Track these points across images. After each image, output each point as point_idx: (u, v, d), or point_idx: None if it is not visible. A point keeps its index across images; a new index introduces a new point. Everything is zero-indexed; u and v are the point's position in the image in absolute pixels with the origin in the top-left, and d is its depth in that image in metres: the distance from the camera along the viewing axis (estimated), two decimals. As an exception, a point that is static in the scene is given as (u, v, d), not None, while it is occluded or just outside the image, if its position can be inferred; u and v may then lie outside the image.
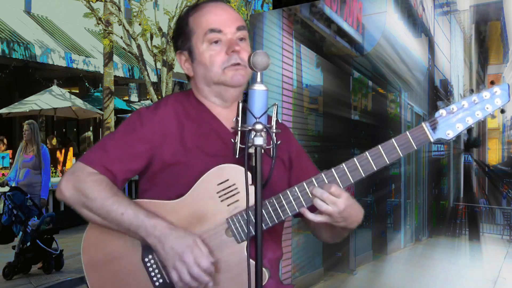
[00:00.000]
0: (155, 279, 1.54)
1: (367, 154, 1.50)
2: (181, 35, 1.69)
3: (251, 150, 1.38)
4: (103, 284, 1.58)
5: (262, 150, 1.37)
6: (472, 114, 1.45)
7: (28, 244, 6.30)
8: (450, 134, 1.47)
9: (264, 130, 1.37)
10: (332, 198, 1.46)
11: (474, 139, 2.96)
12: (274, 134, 1.42)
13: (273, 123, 1.47)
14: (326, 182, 1.51)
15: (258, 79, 1.43)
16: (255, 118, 1.40)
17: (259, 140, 1.36)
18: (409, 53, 3.11)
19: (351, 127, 3.38)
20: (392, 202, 3.21)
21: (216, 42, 1.62)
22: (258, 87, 1.43)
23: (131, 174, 1.63)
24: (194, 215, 1.53)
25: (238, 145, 1.48)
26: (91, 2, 11.46)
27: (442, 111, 1.46)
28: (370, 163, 1.49)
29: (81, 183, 1.55)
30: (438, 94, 3.03)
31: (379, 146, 1.50)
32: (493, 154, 2.89)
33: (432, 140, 1.48)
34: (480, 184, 2.92)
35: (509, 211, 2.80)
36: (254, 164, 1.36)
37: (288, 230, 3.43)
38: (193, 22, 1.66)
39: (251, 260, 1.40)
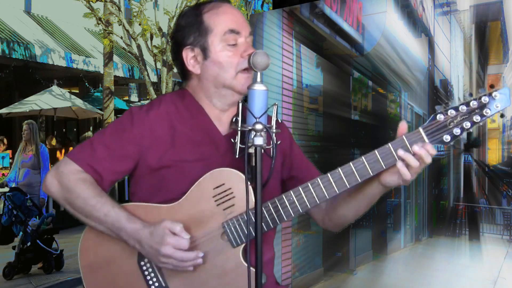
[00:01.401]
0: (150, 282, 1.54)
1: (363, 158, 1.47)
2: (195, 31, 1.63)
3: (251, 150, 1.38)
4: (99, 287, 1.59)
5: (262, 150, 1.37)
6: (470, 119, 1.42)
7: (29, 244, 6.30)
8: (448, 139, 1.43)
9: (264, 130, 1.37)
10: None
11: (474, 139, 2.95)
12: (274, 134, 1.42)
13: (273, 123, 1.47)
14: (322, 186, 1.49)
15: (258, 79, 1.43)
16: (255, 118, 1.40)
17: (259, 140, 1.36)
18: (409, 53, 3.11)
19: (351, 127, 3.38)
20: (392, 202, 3.21)
21: (233, 44, 1.60)
22: (258, 87, 1.43)
23: (119, 175, 1.62)
24: (189, 219, 1.52)
25: (238, 145, 1.47)
26: (91, 2, 11.45)
27: (439, 116, 1.43)
28: (366, 167, 1.46)
29: (65, 180, 1.56)
30: (438, 94, 3.03)
31: (376, 151, 1.47)
32: (493, 154, 2.89)
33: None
34: (480, 184, 2.92)
35: (509, 211, 2.80)
36: (254, 164, 1.36)
37: (288, 230, 3.43)
38: (210, 20, 1.62)
39: (243, 261, 1.43)
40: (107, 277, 1.58)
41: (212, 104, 1.66)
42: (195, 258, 1.47)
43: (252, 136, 1.37)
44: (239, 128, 1.46)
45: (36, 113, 12.62)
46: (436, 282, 2.98)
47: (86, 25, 15.02)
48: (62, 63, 13.55)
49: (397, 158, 1.44)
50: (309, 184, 1.50)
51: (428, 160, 1.43)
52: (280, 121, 1.50)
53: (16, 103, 12.75)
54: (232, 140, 1.49)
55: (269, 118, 1.48)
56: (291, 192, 1.51)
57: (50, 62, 13.15)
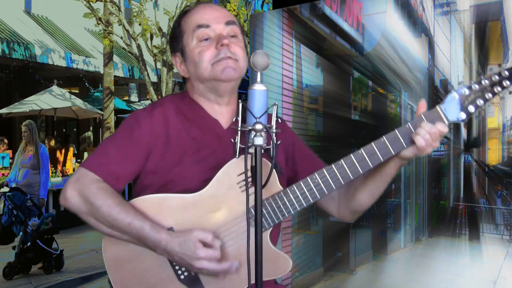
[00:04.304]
0: (179, 272, 1.55)
1: (384, 138, 1.52)
2: (174, 38, 1.73)
3: (251, 150, 1.38)
4: (126, 281, 1.58)
5: (262, 150, 1.37)
6: (482, 97, 1.50)
7: (29, 244, 6.30)
8: (463, 116, 1.51)
9: (264, 130, 1.37)
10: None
11: (474, 139, 2.96)
12: (274, 134, 1.42)
13: (273, 123, 1.47)
14: (346, 167, 1.53)
15: (258, 79, 1.43)
16: (255, 118, 1.40)
17: (259, 140, 1.36)
18: (409, 53, 3.11)
19: (351, 127, 3.38)
20: (392, 202, 3.21)
21: (206, 39, 1.64)
22: (258, 87, 1.43)
23: (132, 176, 1.64)
24: (215, 206, 1.55)
25: (238, 145, 1.48)
26: (91, 2, 11.45)
27: (454, 94, 1.51)
28: (387, 147, 1.51)
29: (86, 190, 1.54)
30: (438, 94, 3.03)
31: (396, 130, 1.52)
32: (493, 154, 2.89)
33: (446, 122, 1.51)
34: (480, 184, 2.92)
35: (509, 211, 2.80)
36: (254, 164, 1.36)
37: (288, 230, 3.43)
38: (184, 23, 1.70)
39: (271, 245, 1.51)
40: (134, 270, 1.57)
41: (206, 99, 1.69)
42: (229, 268, 1.49)
43: (252, 136, 1.37)
44: (239, 128, 1.46)
45: (36, 113, 12.63)
46: (436, 282, 2.98)
47: (86, 25, 15.03)
48: (62, 63, 13.56)
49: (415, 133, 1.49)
50: (333, 166, 1.54)
51: (436, 142, 1.49)
52: (280, 121, 1.51)
53: (16, 103, 12.75)
54: (232, 140, 1.50)
55: (269, 118, 1.48)
56: (316, 174, 1.55)
57: (50, 62, 13.16)
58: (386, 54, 3.17)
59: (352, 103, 3.36)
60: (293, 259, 3.45)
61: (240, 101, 1.50)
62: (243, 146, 1.42)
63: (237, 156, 1.47)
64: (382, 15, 3.21)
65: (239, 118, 1.47)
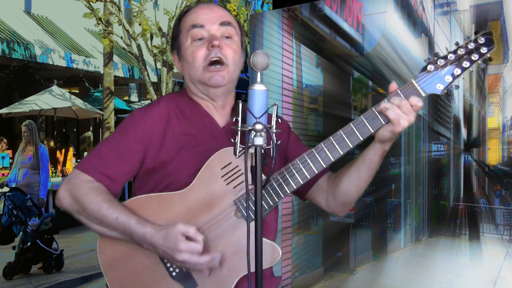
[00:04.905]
0: (171, 269, 1.56)
1: (362, 117, 1.51)
2: (173, 36, 1.75)
3: (251, 150, 1.38)
4: (122, 282, 1.60)
5: (262, 150, 1.37)
6: (459, 66, 1.47)
7: (29, 244, 6.30)
8: (441, 87, 1.49)
9: (264, 130, 1.37)
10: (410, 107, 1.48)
11: (474, 139, 2.96)
12: (274, 134, 1.42)
13: (273, 123, 1.47)
14: (326, 150, 1.52)
15: (258, 79, 1.43)
16: (255, 118, 1.40)
17: (259, 140, 1.36)
18: (409, 53, 3.11)
19: (351, 127, 3.37)
20: (392, 202, 3.21)
21: (200, 39, 1.65)
22: (258, 87, 1.43)
23: (129, 176, 1.65)
24: (202, 201, 1.56)
25: (238, 145, 1.48)
26: (91, 2, 11.45)
27: (429, 67, 1.48)
28: (366, 125, 1.50)
29: (77, 190, 1.58)
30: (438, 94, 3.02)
31: (373, 108, 1.51)
32: (493, 154, 2.89)
33: (423, 95, 1.49)
34: (480, 184, 2.92)
35: (509, 211, 2.80)
36: (254, 164, 1.36)
37: (288, 230, 3.43)
38: (182, 22, 1.72)
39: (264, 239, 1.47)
40: (128, 271, 1.59)
41: (201, 98, 1.71)
42: (210, 261, 1.49)
43: (252, 136, 1.37)
44: (239, 128, 1.46)
45: (36, 113, 12.62)
46: (436, 282, 2.98)
47: (86, 25, 15.03)
48: (62, 63, 13.55)
49: (387, 107, 1.47)
50: (313, 150, 1.54)
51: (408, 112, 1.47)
52: (280, 121, 1.51)
53: (16, 103, 12.74)
54: (232, 140, 1.50)
55: (269, 118, 1.48)
56: (297, 160, 1.55)
57: (50, 62, 13.15)
58: (386, 54, 3.17)
59: (352, 103, 3.36)
60: (293, 259, 3.46)
61: (239, 101, 1.51)
62: (243, 146, 1.42)
63: (237, 156, 1.47)
64: (382, 15, 3.21)
65: (239, 118, 1.48)
